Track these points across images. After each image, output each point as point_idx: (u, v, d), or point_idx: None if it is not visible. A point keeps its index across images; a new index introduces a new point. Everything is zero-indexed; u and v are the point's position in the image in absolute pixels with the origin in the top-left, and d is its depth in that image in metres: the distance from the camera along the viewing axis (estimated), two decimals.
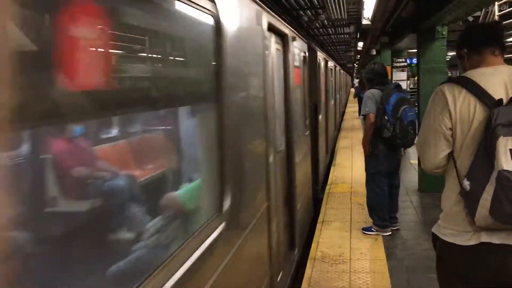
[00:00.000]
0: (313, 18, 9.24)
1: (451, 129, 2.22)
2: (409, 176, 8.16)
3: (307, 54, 6.74)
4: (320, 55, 9.17)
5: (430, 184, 6.92)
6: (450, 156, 2.27)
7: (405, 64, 14.56)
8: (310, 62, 7.28)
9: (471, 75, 2.27)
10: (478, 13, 9.50)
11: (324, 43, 12.70)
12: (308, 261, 4.81)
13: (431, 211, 6.09)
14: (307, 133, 6.45)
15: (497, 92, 2.16)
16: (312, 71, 7.48)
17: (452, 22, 7.42)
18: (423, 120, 2.37)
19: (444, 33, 7.45)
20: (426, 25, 7.21)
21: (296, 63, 5.33)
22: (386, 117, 5.12)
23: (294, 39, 5.01)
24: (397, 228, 5.63)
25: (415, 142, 5.03)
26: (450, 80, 2.35)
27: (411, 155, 9.50)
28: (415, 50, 8.68)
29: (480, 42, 2.33)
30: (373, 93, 5.37)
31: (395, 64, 14.22)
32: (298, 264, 4.95)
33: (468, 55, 2.38)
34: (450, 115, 2.21)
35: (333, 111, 12.96)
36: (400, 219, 5.79)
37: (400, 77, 13.61)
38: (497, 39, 2.34)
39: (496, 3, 9.24)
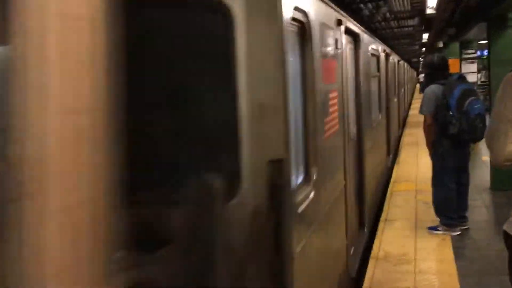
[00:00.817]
0: (374, 11, 8.99)
1: None
2: (480, 174, 7.70)
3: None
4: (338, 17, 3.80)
5: (503, 182, 6.49)
6: None
7: (475, 55, 13.80)
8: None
9: None
10: None
11: (387, 38, 12.32)
12: (370, 260, 4.67)
13: (504, 210, 5.65)
14: None
15: None
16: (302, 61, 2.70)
17: None
18: (493, 109, 2.21)
19: None
20: (497, 12, 6.77)
21: None
22: (450, 113, 4.82)
23: None
24: (467, 228, 5.32)
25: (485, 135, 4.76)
26: None
27: (482, 151, 8.97)
28: (485, 42, 8.19)
29: None
30: (433, 89, 5.11)
31: (464, 56, 13.51)
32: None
33: None
34: None
35: (383, 130, 8.23)
36: (470, 218, 5.47)
37: (470, 70, 12.92)
38: None
39: None
